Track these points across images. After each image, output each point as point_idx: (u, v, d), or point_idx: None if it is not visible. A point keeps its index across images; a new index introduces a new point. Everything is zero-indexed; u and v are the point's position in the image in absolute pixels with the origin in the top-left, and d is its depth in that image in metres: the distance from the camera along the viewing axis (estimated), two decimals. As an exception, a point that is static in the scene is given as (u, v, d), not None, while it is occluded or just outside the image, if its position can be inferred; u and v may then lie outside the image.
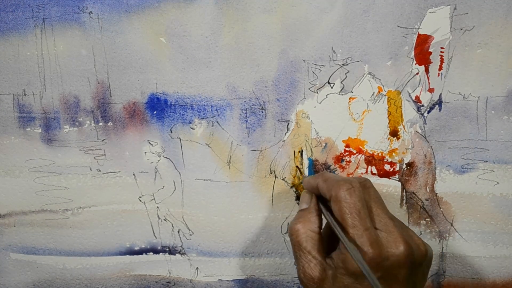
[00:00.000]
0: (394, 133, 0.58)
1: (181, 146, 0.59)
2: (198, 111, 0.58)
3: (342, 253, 0.41)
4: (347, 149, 0.59)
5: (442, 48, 0.55)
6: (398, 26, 0.55)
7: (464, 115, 0.57)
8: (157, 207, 0.61)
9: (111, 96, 0.58)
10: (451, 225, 0.60)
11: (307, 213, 0.45)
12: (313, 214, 0.45)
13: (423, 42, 0.55)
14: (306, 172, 0.59)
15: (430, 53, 0.56)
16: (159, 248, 0.62)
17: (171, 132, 0.59)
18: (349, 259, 0.40)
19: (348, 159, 0.59)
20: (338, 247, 0.42)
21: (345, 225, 0.40)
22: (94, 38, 0.56)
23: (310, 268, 0.42)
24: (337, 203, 0.41)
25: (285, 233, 0.61)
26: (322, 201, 0.47)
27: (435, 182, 0.59)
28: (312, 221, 0.44)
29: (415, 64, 0.56)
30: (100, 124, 0.59)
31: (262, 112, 0.58)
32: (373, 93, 0.57)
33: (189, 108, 0.58)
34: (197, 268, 0.63)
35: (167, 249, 0.62)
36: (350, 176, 0.59)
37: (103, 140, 0.59)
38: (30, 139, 0.59)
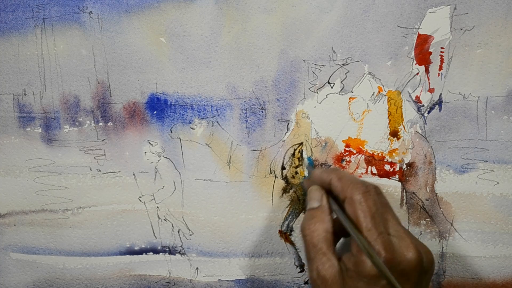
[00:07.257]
0: (394, 133, 0.58)
1: (181, 146, 0.59)
2: (198, 111, 0.58)
3: (354, 255, 0.41)
4: (347, 149, 0.59)
5: (442, 48, 0.55)
6: (398, 26, 0.55)
7: (464, 115, 0.57)
8: (157, 207, 0.61)
9: (111, 96, 0.58)
10: (451, 225, 0.60)
11: (320, 212, 0.44)
12: (326, 213, 0.43)
13: (423, 42, 0.55)
14: (305, 172, 0.59)
15: (430, 53, 0.56)
16: (159, 248, 0.62)
17: (171, 132, 0.59)
18: (363, 262, 0.39)
19: (348, 159, 0.59)
20: (349, 250, 0.42)
21: (360, 228, 0.40)
22: (94, 38, 0.56)
23: (324, 270, 0.41)
24: (352, 205, 0.40)
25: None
26: (333, 199, 0.45)
27: (435, 182, 0.59)
28: (326, 221, 0.43)
29: (415, 64, 0.56)
30: (100, 124, 0.59)
31: (262, 112, 0.58)
32: (373, 93, 0.57)
33: (189, 108, 0.58)
34: (197, 268, 0.62)
35: (167, 249, 0.62)
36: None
37: (103, 140, 0.59)
38: (30, 139, 0.59)
